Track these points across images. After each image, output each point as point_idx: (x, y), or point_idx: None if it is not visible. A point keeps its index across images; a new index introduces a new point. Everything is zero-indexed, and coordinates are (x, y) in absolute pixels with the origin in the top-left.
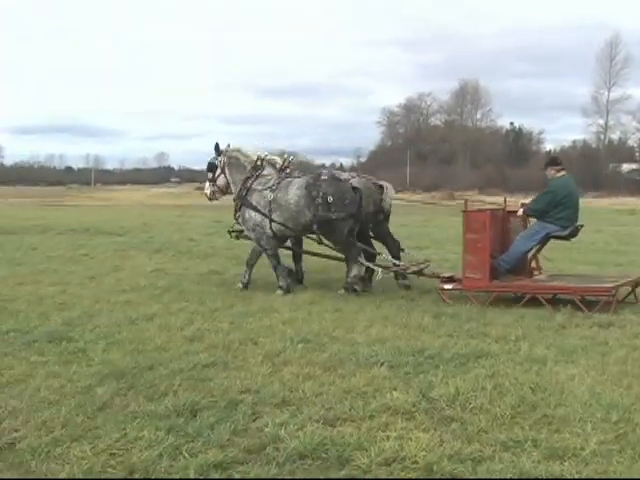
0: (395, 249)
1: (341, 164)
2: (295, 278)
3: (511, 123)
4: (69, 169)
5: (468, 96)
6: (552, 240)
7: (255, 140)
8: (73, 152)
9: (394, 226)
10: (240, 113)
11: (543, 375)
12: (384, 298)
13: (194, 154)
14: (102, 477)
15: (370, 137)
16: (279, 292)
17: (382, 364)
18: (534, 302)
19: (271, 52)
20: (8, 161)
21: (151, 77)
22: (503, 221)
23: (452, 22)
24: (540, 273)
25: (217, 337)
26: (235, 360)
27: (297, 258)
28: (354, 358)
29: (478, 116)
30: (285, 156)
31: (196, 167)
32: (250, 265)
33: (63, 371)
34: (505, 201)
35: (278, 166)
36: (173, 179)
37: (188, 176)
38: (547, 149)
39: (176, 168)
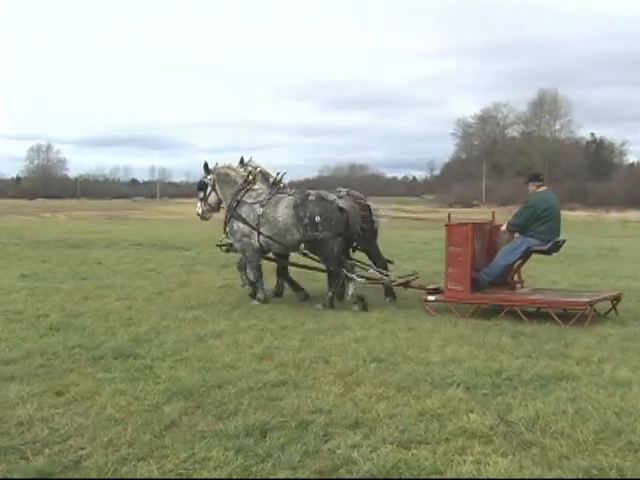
0: (382, 263)
1: (414, 178)
2: (277, 290)
3: (592, 134)
4: (134, 182)
5: (546, 106)
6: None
7: (325, 152)
8: (139, 164)
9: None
10: (310, 124)
11: (628, 399)
12: (459, 317)
13: None
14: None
15: (444, 149)
16: (255, 302)
17: (458, 385)
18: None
19: (344, 62)
20: (72, 173)
21: (219, 88)
22: (490, 235)
23: (530, 30)
24: (522, 286)
25: (287, 355)
26: (306, 379)
27: (281, 271)
28: (429, 379)
29: (557, 127)
30: (278, 172)
31: None
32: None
33: (130, 388)
34: (493, 215)
35: (271, 180)
36: None
37: None
38: (630, 162)
39: None
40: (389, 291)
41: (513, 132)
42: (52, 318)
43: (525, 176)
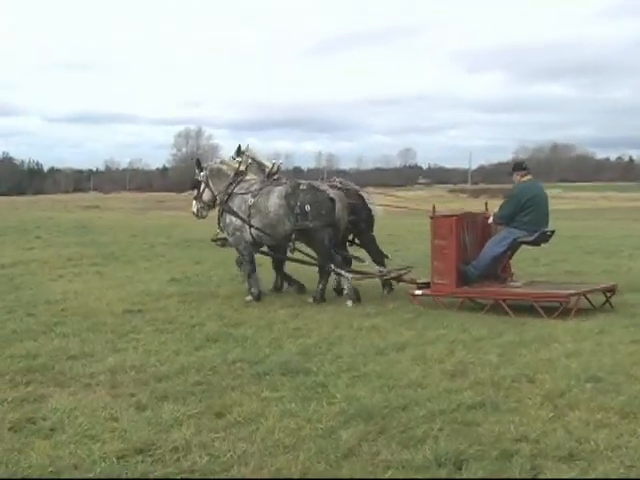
0: (379, 258)
1: (630, 158)
2: (275, 287)
3: None
4: (298, 170)
5: None
6: None
7: (522, 131)
8: (302, 150)
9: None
10: (500, 99)
11: None
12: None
13: (446, 150)
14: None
15: None
16: (249, 298)
17: None
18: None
19: (542, 22)
20: None
21: (394, 58)
22: (483, 226)
23: None
24: (512, 279)
25: (484, 372)
26: (507, 401)
27: (277, 265)
28: None
29: None
30: (274, 161)
31: (448, 165)
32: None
33: (300, 410)
34: (487, 206)
35: (267, 171)
36: (421, 180)
37: (439, 176)
38: None
39: (424, 167)
40: (386, 284)
41: None
42: (208, 328)
43: None
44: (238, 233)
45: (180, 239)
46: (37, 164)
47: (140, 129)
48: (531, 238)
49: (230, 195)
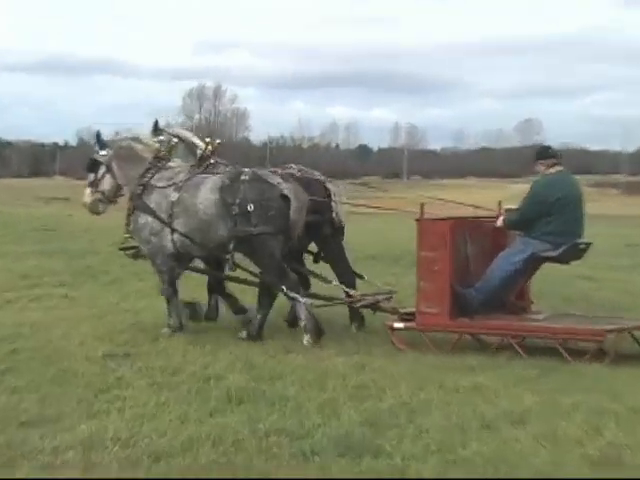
0: (347, 275)
1: None
2: (211, 314)
3: None
4: (363, 148)
5: None
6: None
7: None
8: (370, 120)
9: None
10: None
11: None
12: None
13: (589, 123)
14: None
15: None
16: (165, 330)
17: None
18: None
19: None
20: None
21: None
22: (494, 234)
23: None
24: (529, 308)
25: None
26: None
27: (214, 287)
28: None
29: None
30: (208, 139)
31: (591, 146)
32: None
33: None
34: (500, 205)
35: (200, 153)
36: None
37: (577, 161)
38: None
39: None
40: (355, 315)
41: None
42: (230, 382)
43: None
44: (155, 240)
45: None
46: None
47: (133, 84)
48: (555, 253)
49: (145, 187)
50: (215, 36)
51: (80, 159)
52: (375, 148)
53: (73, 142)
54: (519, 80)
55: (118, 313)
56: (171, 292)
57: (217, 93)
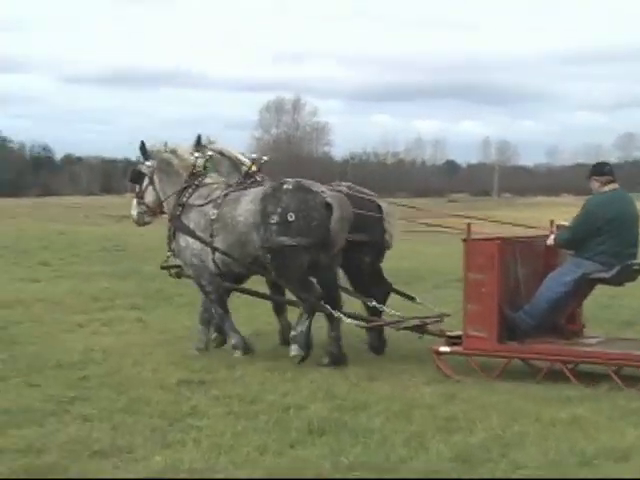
0: (380, 295)
1: None
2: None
3: None
4: (450, 163)
5: None
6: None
7: None
8: (459, 134)
9: None
10: None
11: None
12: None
13: None
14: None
15: None
16: (237, 353)
17: None
18: None
19: None
20: None
21: None
22: (547, 255)
23: None
24: (581, 333)
25: None
26: None
27: (278, 308)
28: None
29: None
30: (254, 156)
31: None
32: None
33: None
34: (552, 225)
35: (244, 169)
36: None
37: None
38: None
39: None
40: (375, 338)
41: None
42: (311, 412)
43: None
44: (196, 261)
45: None
46: (45, 149)
47: (206, 97)
48: (608, 274)
49: (183, 207)
50: (293, 46)
51: None
52: (464, 164)
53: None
54: (619, 91)
55: (192, 338)
56: (221, 310)
57: (296, 106)
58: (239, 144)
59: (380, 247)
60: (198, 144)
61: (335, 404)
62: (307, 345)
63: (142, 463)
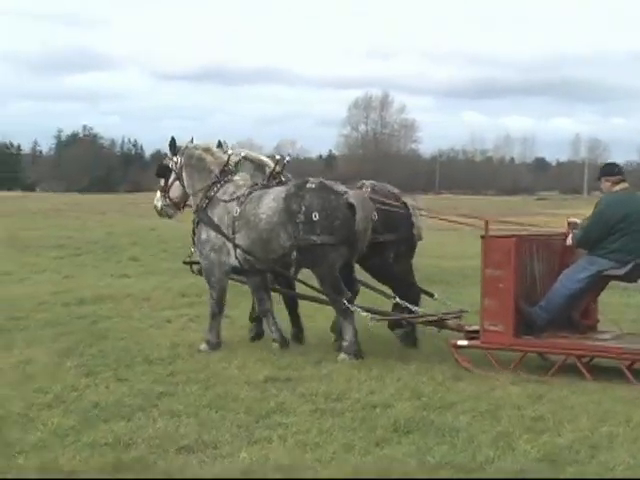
0: (413, 292)
1: None
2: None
3: None
4: (540, 161)
5: None
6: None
7: None
8: (549, 131)
9: None
10: None
11: None
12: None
13: None
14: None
15: None
16: (203, 348)
17: None
18: None
19: None
20: None
21: None
22: (563, 252)
23: None
24: (595, 328)
25: None
26: None
27: (290, 306)
28: None
29: None
30: (278, 157)
31: None
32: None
33: None
34: (569, 224)
35: (268, 170)
36: None
37: None
38: None
39: None
40: (406, 335)
41: None
42: (397, 411)
43: None
44: (214, 255)
45: None
46: (135, 145)
47: (295, 94)
48: (622, 271)
49: (210, 200)
50: (385, 42)
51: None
52: (553, 162)
53: None
54: None
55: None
56: (217, 309)
57: (384, 103)
58: (328, 142)
59: (411, 242)
60: (219, 146)
61: (421, 403)
62: (359, 353)
63: (228, 459)
